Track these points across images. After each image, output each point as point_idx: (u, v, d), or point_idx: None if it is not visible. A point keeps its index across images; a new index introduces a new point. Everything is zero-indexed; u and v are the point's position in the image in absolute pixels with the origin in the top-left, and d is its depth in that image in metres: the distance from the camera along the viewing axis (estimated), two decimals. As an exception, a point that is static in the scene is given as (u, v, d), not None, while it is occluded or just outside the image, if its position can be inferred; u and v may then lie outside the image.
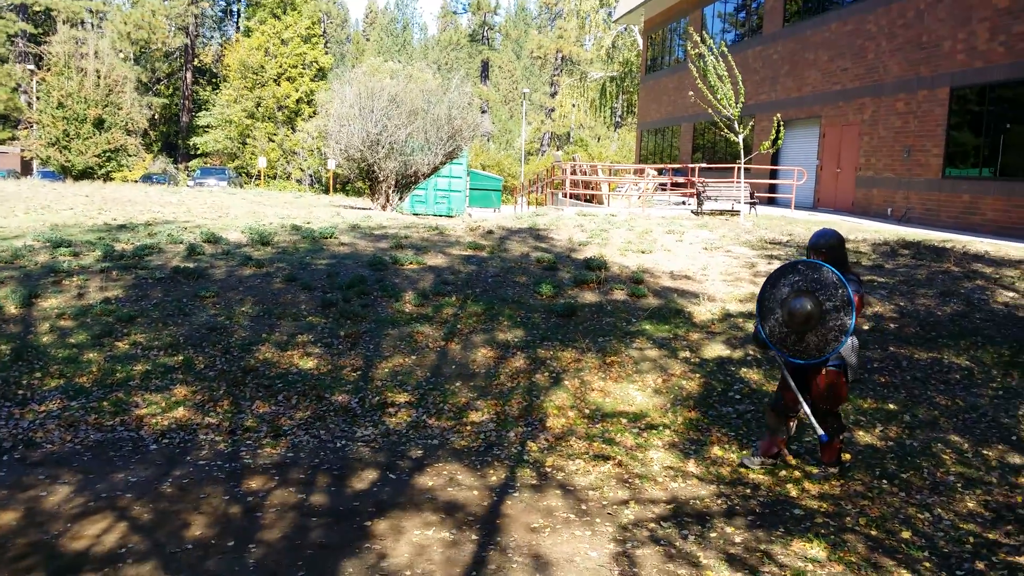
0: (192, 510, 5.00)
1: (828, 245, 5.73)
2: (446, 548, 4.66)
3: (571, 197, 23.71)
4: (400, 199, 23.18)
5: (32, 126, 43.53)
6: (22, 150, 45.64)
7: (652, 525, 5.05)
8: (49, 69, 37.08)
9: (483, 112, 35.17)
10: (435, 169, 23.47)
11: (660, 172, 27.75)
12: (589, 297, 9.94)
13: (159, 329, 8.09)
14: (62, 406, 6.62)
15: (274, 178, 46.93)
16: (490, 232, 13.92)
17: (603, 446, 6.29)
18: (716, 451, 6.29)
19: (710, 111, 16.43)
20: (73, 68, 35.11)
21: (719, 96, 15.94)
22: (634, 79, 48.08)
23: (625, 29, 46.52)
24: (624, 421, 6.77)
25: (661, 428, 6.66)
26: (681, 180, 24.10)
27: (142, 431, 6.27)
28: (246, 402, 6.83)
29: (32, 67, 48.63)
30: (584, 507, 5.28)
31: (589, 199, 24.69)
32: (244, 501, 5.13)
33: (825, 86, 21.63)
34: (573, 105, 58.35)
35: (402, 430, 6.51)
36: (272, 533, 4.73)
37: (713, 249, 12.62)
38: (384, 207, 22.47)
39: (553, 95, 72.32)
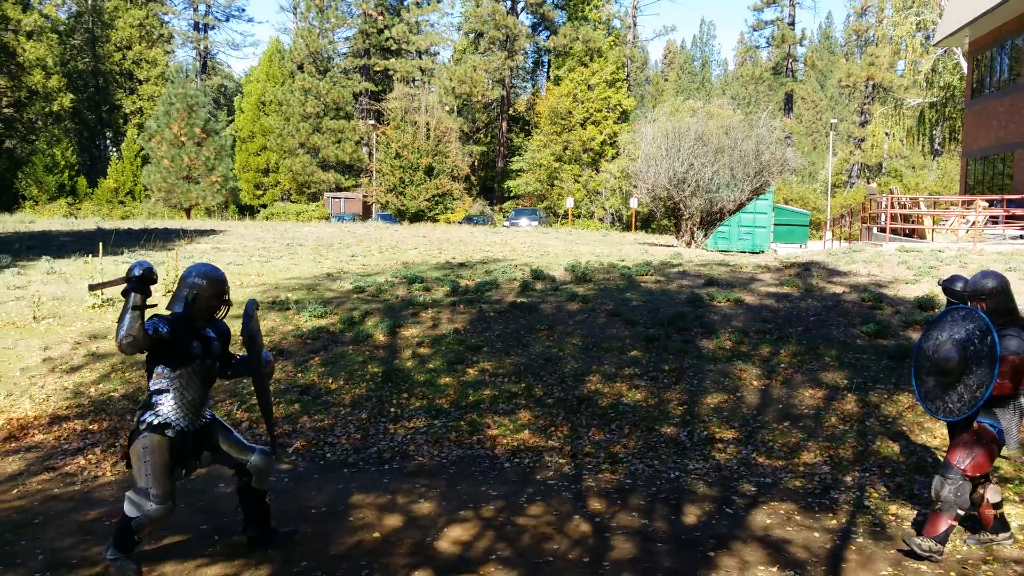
0: (547, 525, 5.52)
1: (991, 290, 5.06)
2: (791, 585, 4.73)
3: (889, 231, 22.23)
4: (704, 236, 23.20)
5: (372, 174, 49.41)
6: (364, 196, 52.03)
7: (1018, 587, 4.73)
8: (387, 123, 42.01)
9: (788, 145, 34.26)
10: (740, 205, 23.21)
11: (991, 204, 25.06)
12: (923, 340, 9.37)
13: (501, 358, 8.95)
14: (427, 424, 7.58)
15: (579, 217, 49.00)
16: (805, 269, 13.58)
17: (952, 498, 5.94)
18: (1090, 514, 5.69)
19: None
20: (407, 122, 39.55)
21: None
22: (957, 104, 43.91)
23: (945, 52, 42.71)
24: (975, 474, 6.33)
25: (1017, 482, 6.16)
26: (1019, 212, 21.56)
27: (496, 450, 7.00)
28: (583, 428, 7.36)
29: (373, 122, 55.24)
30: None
31: (909, 233, 22.99)
32: (592, 521, 5.57)
33: None
34: (886, 134, 54.54)
35: (732, 466, 6.63)
36: (621, 553, 5.09)
37: (1070, 289, 11.28)
38: (689, 244, 22.63)
39: (863, 124, 68.20)
